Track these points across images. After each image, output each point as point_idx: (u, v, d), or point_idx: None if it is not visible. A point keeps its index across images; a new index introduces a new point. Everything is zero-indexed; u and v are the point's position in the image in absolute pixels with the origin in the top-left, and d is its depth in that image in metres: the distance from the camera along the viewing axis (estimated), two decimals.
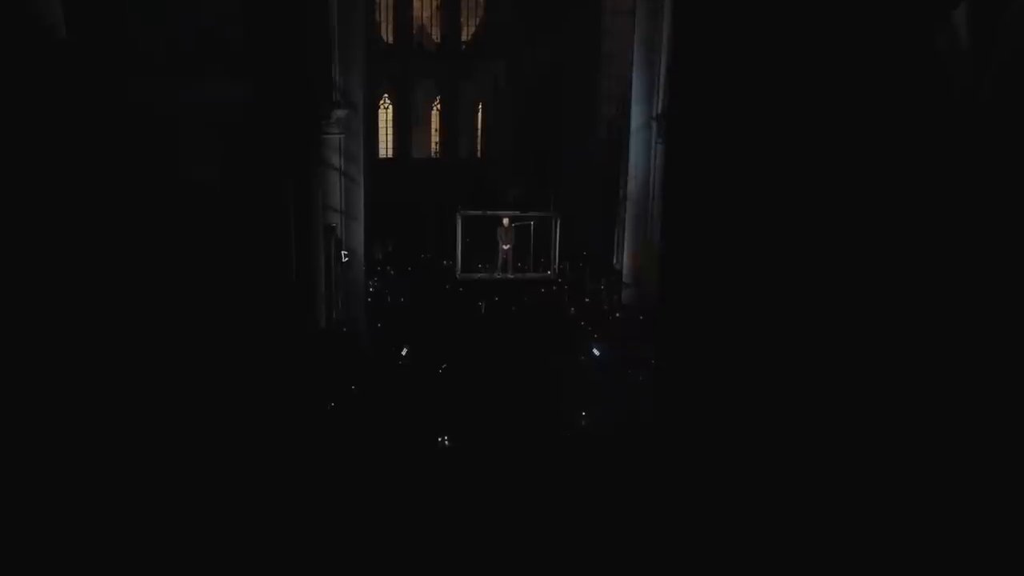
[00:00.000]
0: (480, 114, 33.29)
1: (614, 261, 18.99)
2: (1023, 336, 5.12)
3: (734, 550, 6.55)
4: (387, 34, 32.54)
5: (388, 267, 21.53)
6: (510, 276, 18.73)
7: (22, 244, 7.06)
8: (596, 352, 14.55)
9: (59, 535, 6.59)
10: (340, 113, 14.66)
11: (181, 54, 8.92)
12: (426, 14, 32.94)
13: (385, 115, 32.88)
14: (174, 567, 7.01)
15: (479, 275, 18.80)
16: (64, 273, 7.45)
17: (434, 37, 33.16)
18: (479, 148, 33.68)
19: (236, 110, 9.27)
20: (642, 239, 17.06)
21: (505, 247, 18.85)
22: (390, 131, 33.08)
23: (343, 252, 14.97)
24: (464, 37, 33.03)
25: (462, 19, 32.83)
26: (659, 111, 16.26)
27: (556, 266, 18.64)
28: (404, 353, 14.20)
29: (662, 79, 16.18)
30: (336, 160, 14.73)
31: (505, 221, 18.80)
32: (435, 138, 34.01)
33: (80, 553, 6.65)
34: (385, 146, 32.99)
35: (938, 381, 5.45)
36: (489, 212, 18.98)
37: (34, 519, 6.51)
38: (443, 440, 10.43)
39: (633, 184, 17.35)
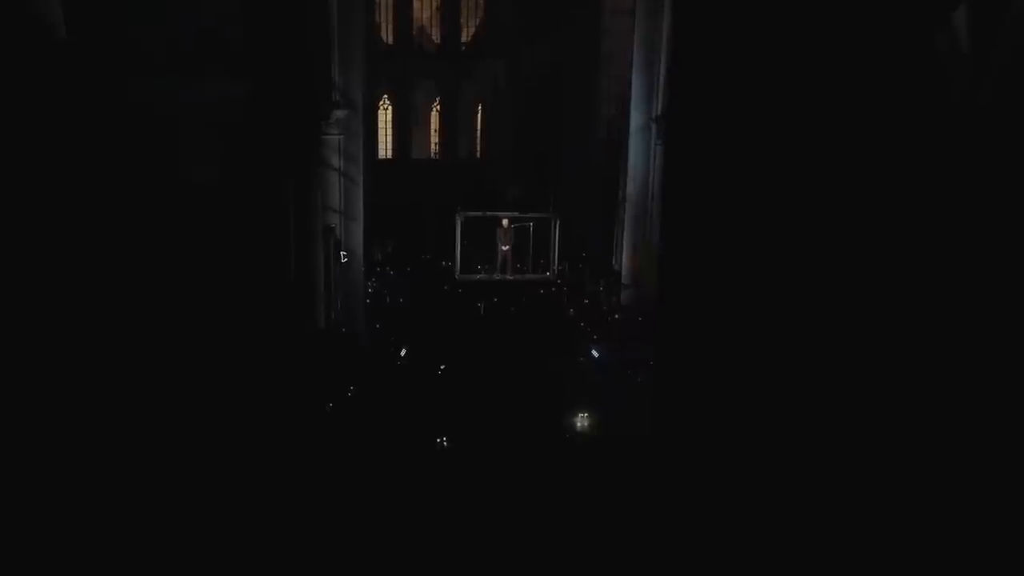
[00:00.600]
0: (480, 114, 33.30)
1: (613, 262, 18.99)
2: (1023, 336, 5.12)
3: (733, 551, 6.55)
4: (387, 35, 32.54)
5: (387, 268, 21.55)
6: (509, 277, 18.70)
7: (22, 244, 7.06)
8: (595, 353, 14.55)
9: (60, 535, 6.59)
10: (340, 113, 14.66)
11: (181, 54, 8.91)
12: (426, 15, 32.95)
13: (385, 115, 32.88)
14: (174, 567, 7.01)
15: (478, 276, 18.79)
16: (64, 273, 7.44)
17: (434, 38, 33.16)
18: (479, 148, 33.69)
19: (236, 110, 9.26)
20: (641, 240, 17.06)
21: (504, 248, 18.82)
22: (390, 131, 33.09)
23: (342, 252, 14.97)
24: (464, 38, 33.03)
25: (462, 20, 32.84)
26: (659, 112, 16.26)
27: (555, 267, 18.62)
28: (403, 354, 14.21)
29: (662, 80, 16.18)
30: (336, 160, 14.74)
31: (504, 222, 18.77)
32: (435, 138, 34.01)
33: (80, 553, 6.65)
34: (385, 146, 32.99)
35: (939, 383, 5.45)
36: (488, 213, 18.96)
37: (35, 519, 6.50)
38: (442, 441, 10.44)
39: (632, 185, 17.35)
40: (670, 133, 11.37)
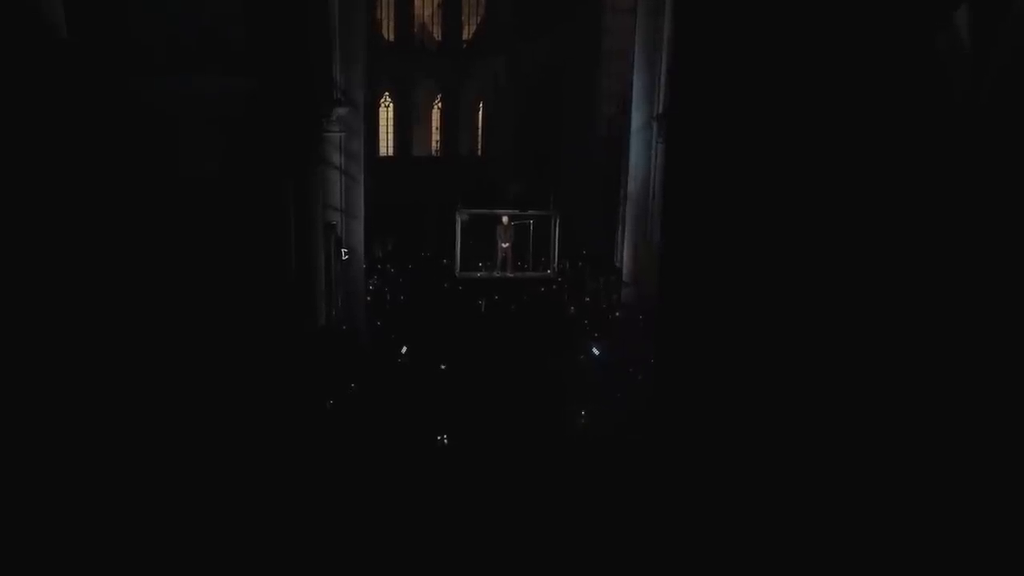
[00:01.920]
0: (480, 112, 33.31)
1: (614, 260, 19.00)
2: (1023, 336, 5.13)
3: (734, 550, 6.56)
4: (388, 32, 32.56)
5: (388, 265, 21.57)
6: (509, 275, 18.72)
7: (23, 242, 7.07)
8: (596, 351, 14.55)
9: (59, 534, 6.60)
10: (341, 111, 14.67)
11: (182, 53, 8.92)
12: (427, 12, 32.97)
13: (386, 113, 32.91)
14: (174, 567, 7.02)
15: (479, 273, 18.79)
16: (65, 271, 7.45)
17: (435, 35, 33.18)
18: (479, 146, 33.71)
19: (237, 108, 9.27)
20: (642, 238, 17.07)
21: (504, 245, 18.84)
22: (391, 129, 33.12)
23: (343, 250, 14.98)
24: (465, 36, 33.05)
25: (463, 17, 32.86)
26: (659, 111, 16.26)
27: (556, 265, 18.64)
28: (403, 351, 14.22)
29: (663, 79, 16.20)
30: (336, 158, 14.76)
31: (505, 219, 18.78)
32: (435, 136, 34.05)
33: (80, 553, 6.67)
34: (386, 144, 33.03)
35: (940, 383, 5.46)
36: (489, 210, 18.98)
37: (34, 519, 6.52)
38: (442, 439, 10.45)
39: (633, 184, 17.37)
40: (671, 131, 11.36)
